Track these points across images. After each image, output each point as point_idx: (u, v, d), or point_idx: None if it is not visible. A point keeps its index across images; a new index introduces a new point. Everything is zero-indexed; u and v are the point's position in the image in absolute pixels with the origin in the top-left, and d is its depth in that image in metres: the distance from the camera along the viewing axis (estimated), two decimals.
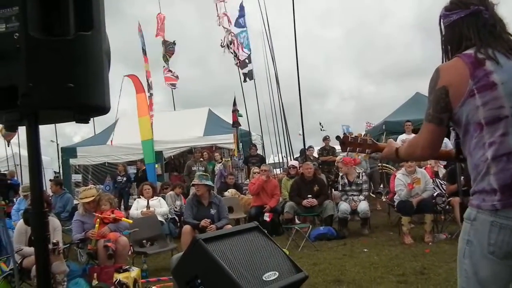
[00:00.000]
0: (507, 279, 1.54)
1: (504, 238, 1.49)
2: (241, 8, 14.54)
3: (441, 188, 7.02)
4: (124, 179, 11.58)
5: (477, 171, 1.58)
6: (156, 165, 11.25)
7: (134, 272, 4.50)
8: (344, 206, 7.02)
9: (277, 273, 2.92)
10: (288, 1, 14.95)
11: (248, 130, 13.60)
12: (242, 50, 14.20)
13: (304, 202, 7.22)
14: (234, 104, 12.28)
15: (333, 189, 9.21)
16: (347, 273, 4.75)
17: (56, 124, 10.76)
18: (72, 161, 13.39)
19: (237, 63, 14.20)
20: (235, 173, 10.65)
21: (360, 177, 7.34)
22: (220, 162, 11.39)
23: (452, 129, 1.75)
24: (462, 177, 5.61)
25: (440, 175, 7.67)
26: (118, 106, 12.49)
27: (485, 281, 1.54)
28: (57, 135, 15.05)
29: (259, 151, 12.61)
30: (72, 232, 5.47)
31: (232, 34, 14.15)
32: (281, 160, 14.61)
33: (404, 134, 9.18)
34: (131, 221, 5.83)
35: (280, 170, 13.40)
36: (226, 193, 8.75)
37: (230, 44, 13.96)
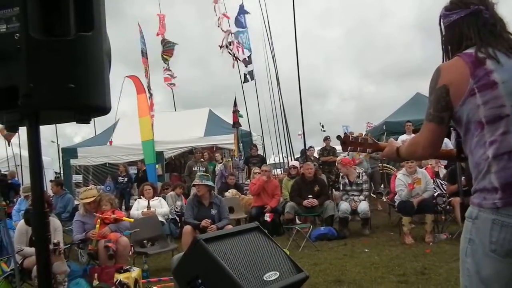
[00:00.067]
0: (510, 277, 1.53)
1: (506, 236, 1.49)
2: (241, 8, 14.53)
3: (441, 188, 7.01)
4: (125, 179, 11.58)
5: (478, 169, 1.58)
6: (157, 166, 11.26)
7: (135, 272, 4.50)
8: (344, 205, 7.02)
9: (278, 273, 2.92)
10: (288, 1, 14.93)
11: (248, 130, 13.60)
12: (242, 51, 14.18)
13: (305, 202, 7.22)
14: (235, 104, 12.29)
15: (333, 189, 9.21)
16: (347, 273, 4.75)
17: (57, 125, 10.75)
18: (72, 161, 13.41)
19: (233, 64, 14.18)
20: (235, 174, 10.66)
21: (360, 177, 7.34)
22: (220, 163, 11.39)
23: (452, 129, 1.75)
24: (463, 177, 5.61)
25: (441, 175, 7.67)
26: (118, 106, 12.52)
27: (488, 280, 1.54)
28: (58, 135, 15.05)
29: (260, 152, 12.62)
30: (72, 232, 5.48)
31: (232, 35, 14.15)
32: (281, 161, 14.61)
33: (404, 135, 9.17)
34: (132, 220, 5.84)
35: (281, 170, 13.41)
36: (226, 194, 8.75)
37: (229, 45, 13.96)
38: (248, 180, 10.19)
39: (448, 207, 6.61)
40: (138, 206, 7.10)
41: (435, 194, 6.67)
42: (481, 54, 1.58)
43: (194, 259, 2.90)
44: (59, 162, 13.84)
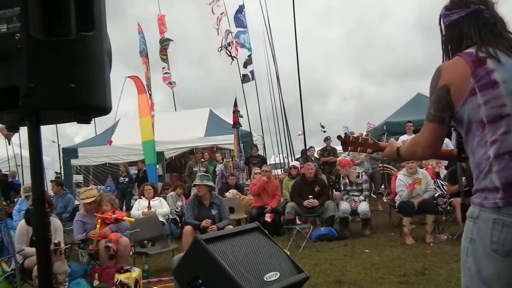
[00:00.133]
0: (511, 276, 1.53)
1: (507, 235, 1.49)
2: (241, 7, 14.51)
3: (442, 188, 7.01)
4: (126, 179, 11.58)
5: (479, 169, 1.58)
6: (157, 166, 11.26)
7: (135, 272, 4.50)
8: (344, 205, 7.02)
9: (278, 274, 2.92)
10: (288, 1, 14.94)
11: (249, 130, 13.60)
12: (236, 50, 14.13)
13: (305, 202, 7.22)
14: (235, 104, 12.28)
15: (334, 190, 9.21)
16: (348, 273, 4.74)
17: (57, 125, 10.76)
18: (73, 161, 13.42)
19: (231, 62, 14.18)
20: (236, 174, 10.66)
21: (360, 177, 7.34)
22: (221, 163, 11.40)
23: (453, 129, 1.75)
24: (464, 177, 5.60)
25: (441, 176, 7.67)
26: (118, 106, 12.50)
27: (489, 279, 1.54)
28: (58, 135, 15.03)
29: (260, 152, 12.61)
30: (73, 232, 5.49)
31: (232, 34, 14.14)
32: (282, 161, 14.61)
33: (405, 135, 9.17)
34: (133, 219, 5.84)
35: (281, 170, 13.41)
36: (227, 194, 8.76)
37: (228, 46, 13.95)
38: (249, 181, 10.20)
39: (448, 207, 6.61)
40: (139, 206, 7.10)
41: (436, 195, 6.66)
42: (482, 53, 1.58)
43: (194, 260, 2.90)
44: (60, 162, 13.86)
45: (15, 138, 11.81)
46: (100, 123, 18.40)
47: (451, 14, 1.69)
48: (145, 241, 5.86)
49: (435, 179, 7.23)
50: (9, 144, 11.65)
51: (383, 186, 10.53)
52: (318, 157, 11.19)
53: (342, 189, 7.41)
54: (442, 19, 1.74)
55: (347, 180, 7.34)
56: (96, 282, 4.62)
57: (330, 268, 5.02)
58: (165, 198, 7.91)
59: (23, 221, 4.82)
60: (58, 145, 14.36)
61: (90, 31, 1.42)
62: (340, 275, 4.67)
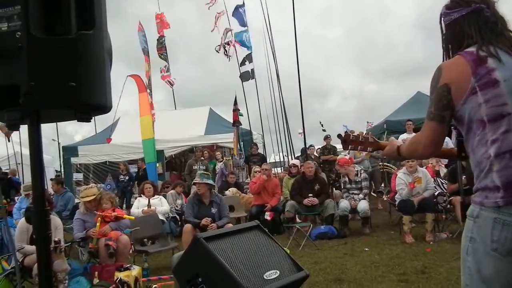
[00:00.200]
0: (511, 276, 1.53)
1: (507, 235, 1.49)
2: (240, 6, 14.49)
3: (442, 187, 7.02)
4: (127, 178, 11.57)
5: (480, 168, 1.58)
6: (157, 164, 11.26)
7: (135, 270, 4.50)
8: (344, 203, 7.02)
9: (278, 272, 2.92)
10: (288, 0, 14.93)
11: (249, 129, 13.60)
12: (234, 47, 14.12)
13: (305, 201, 7.23)
14: (235, 103, 12.28)
15: (334, 188, 9.21)
16: (348, 272, 4.75)
17: (58, 123, 10.77)
18: (73, 160, 13.42)
19: (229, 58, 14.15)
20: (236, 172, 10.66)
21: (359, 175, 7.35)
22: (221, 161, 11.40)
23: (453, 128, 1.75)
24: (464, 176, 5.60)
25: (442, 174, 7.67)
26: (118, 105, 12.48)
27: (489, 278, 1.54)
28: (59, 133, 15.08)
29: (260, 150, 12.62)
30: (73, 230, 5.49)
31: (231, 32, 14.12)
32: (282, 159, 14.62)
33: (405, 134, 9.18)
34: (133, 217, 5.85)
35: (281, 169, 13.41)
36: (227, 192, 8.76)
37: (227, 44, 13.94)
38: (249, 179, 10.19)
39: (448, 206, 6.61)
40: (139, 205, 7.11)
41: (436, 193, 6.67)
42: (483, 52, 1.57)
43: (194, 258, 2.91)
44: (60, 160, 13.88)
45: (15, 136, 11.80)
46: (100, 121, 18.40)
47: (451, 13, 1.69)
48: (145, 239, 5.87)
49: (435, 177, 7.24)
50: (9, 141, 11.63)
51: (383, 185, 10.53)
52: (318, 156, 11.19)
53: (342, 187, 7.42)
54: (442, 18, 1.74)
55: (346, 179, 7.35)
56: (96, 280, 4.62)
57: (330, 266, 5.03)
58: (165, 196, 7.91)
59: (23, 219, 4.82)
60: (58, 143, 14.40)
61: (90, 30, 1.42)
62: (340, 273, 4.68)
